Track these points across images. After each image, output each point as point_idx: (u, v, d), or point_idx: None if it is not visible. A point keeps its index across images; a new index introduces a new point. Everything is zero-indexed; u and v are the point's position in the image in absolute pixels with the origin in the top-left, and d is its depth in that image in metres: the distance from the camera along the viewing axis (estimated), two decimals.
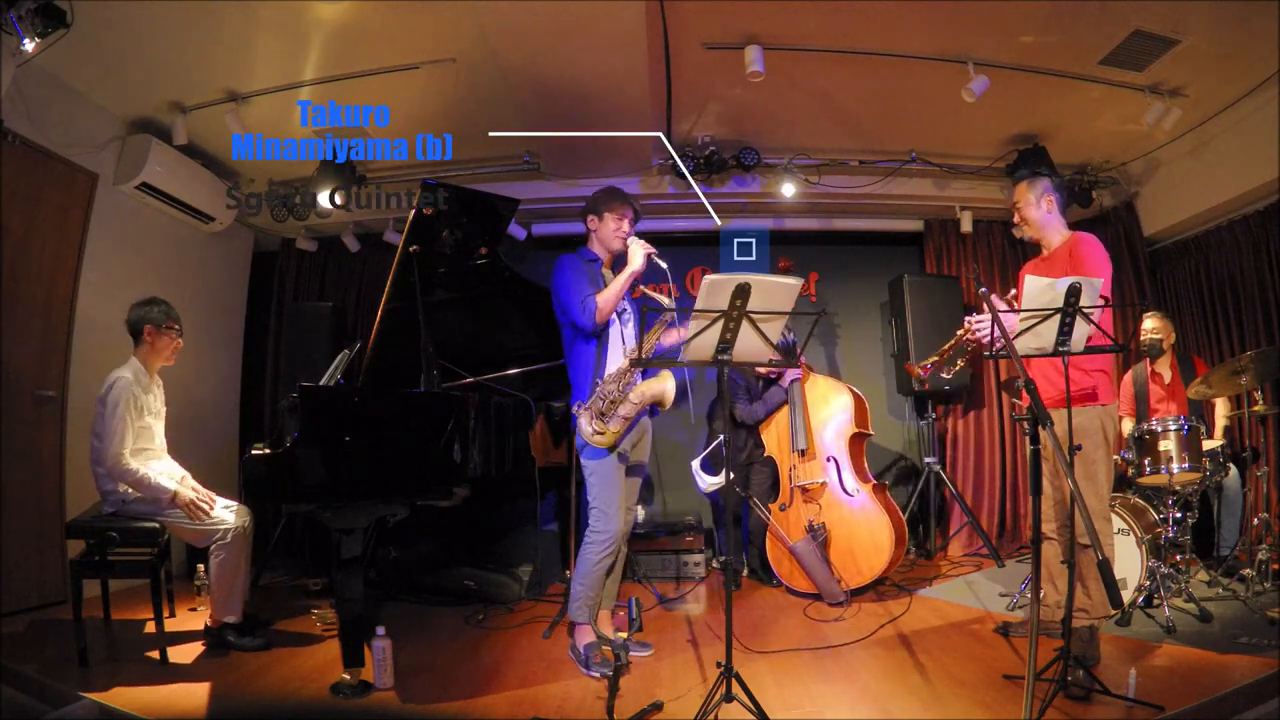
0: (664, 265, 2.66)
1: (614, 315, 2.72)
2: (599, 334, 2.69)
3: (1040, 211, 2.71)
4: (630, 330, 2.77)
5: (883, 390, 4.86)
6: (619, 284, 2.64)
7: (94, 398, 3.52)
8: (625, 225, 2.76)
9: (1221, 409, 3.84)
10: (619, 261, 2.79)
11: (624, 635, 2.54)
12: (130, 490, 2.76)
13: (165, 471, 2.85)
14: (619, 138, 3.87)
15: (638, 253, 2.66)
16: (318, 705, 2.31)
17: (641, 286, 2.74)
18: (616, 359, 2.69)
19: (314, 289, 4.98)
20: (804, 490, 3.67)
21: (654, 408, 2.73)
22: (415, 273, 2.78)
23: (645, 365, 2.56)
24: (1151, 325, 3.84)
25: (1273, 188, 3.69)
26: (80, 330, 3.56)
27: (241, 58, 3.31)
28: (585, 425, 2.61)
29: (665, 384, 2.63)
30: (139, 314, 2.91)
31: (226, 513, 2.85)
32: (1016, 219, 2.79)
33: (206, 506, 2.79)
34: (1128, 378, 3.99)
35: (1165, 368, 3.86)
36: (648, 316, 2.66)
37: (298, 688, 2.45)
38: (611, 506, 2.64)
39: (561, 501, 3.80)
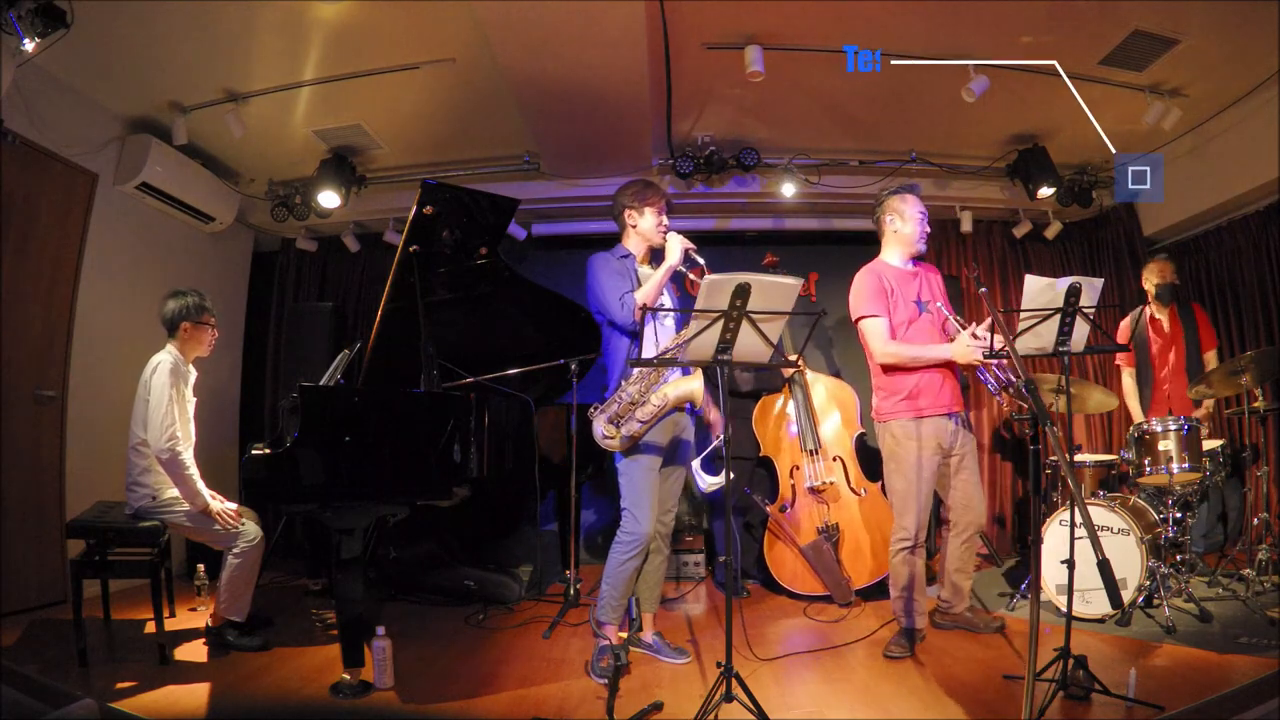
0: (701, 261, 2.59)
1: (651, 313, 2.63)
2: (636, 332, 2.62)
3: None
4: (669, 328, 2.69)
5: None
6: (658, 279, 2.58)
7: (94, 398, 3.56)
8: (664, 218, 2.72)
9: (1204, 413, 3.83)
10: (655, 257, 2.74)
11: (624, 635, 2.55)
12: (162, 489, 2.75)
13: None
14: (619, 137, 3.88)
15: (675, 247, 2.60)
16: (318, 705, 2.31)
17: (692, 276, 2.63)
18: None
19: (314, 289, 4.98)
20: (814, 491, 3.66)
21: (690, 406, 2.69)
22: (415, 273, 2.78)
23: (641, 365, 2.52)
24: (1160, 268, 3.72)
25: (1273, 188, 3.69)
26: (80, 330, 3.56)
27: (241, 58, 3.31)
28: (597, 428, 2.58)
29: (692, 384, 2.59)
30: (175, 310, 2.87)
31: (250, 522, 2.86)
32: (927, 230, 2.85)
33: (233, 520, 2.79)
34: (1125, 323, 3.85)
35: (1165, 315, 3.76)
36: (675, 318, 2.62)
37: (298, 688, 2.45)
38: (640, 508, 2.58)
39: (561, 501, 3.80)
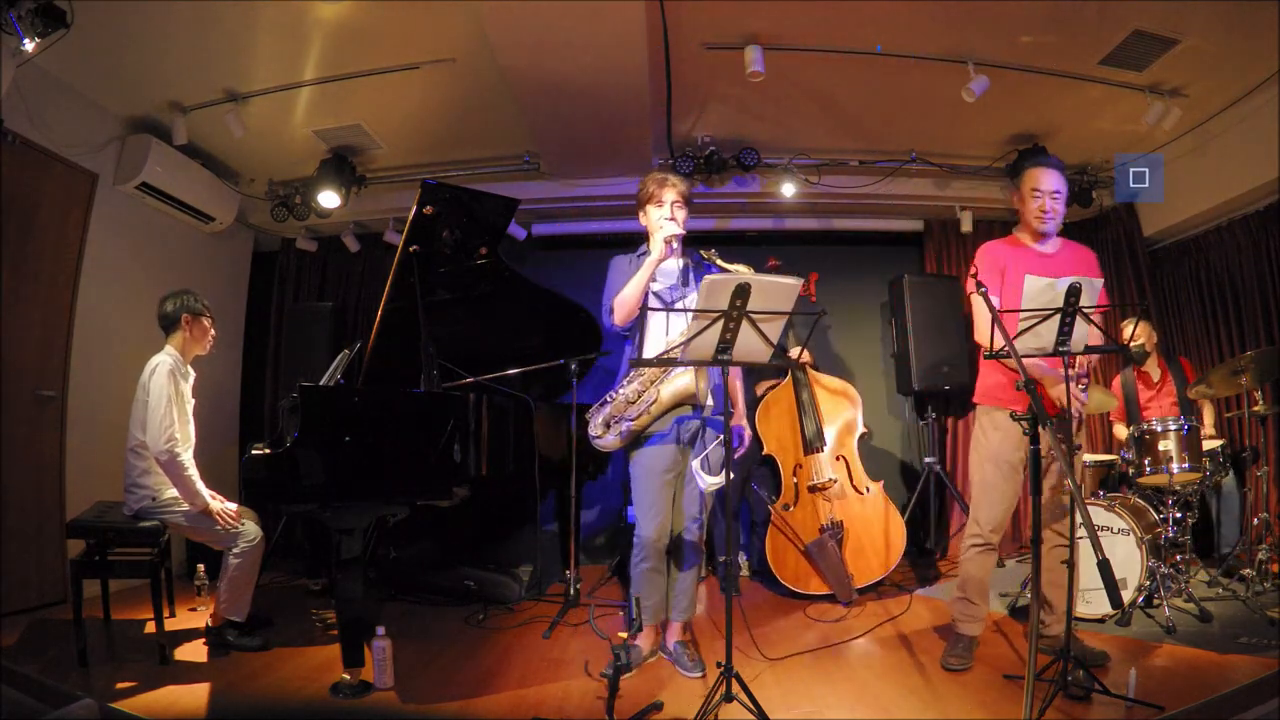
0: (676, 246, 2.52)
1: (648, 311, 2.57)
2: (630, 332, 2.60)
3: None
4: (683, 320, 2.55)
5: (882, 390, 4.86)
6: (638, 277, 2.52)
7: (94, 398, 3.56)
8: (667, 209, 2.57)
9: (1208, 417, 3.86)
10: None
11: (624, 636, 2.54)
12: (161, 490, 2.75)
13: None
14: (619, 137, 3.88)
15: (657, 238, 2.50)
16: (318, 705, 2.31)
17: (721, 262, 2.52)
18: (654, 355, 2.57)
19: (314, 289, 4.98)
20: (817, 489, 3.66)
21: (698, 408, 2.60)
22: (415, 273, 2.78)
23: (639, 365, 2.52)
24: (1133, 332, 3.83)
25: (1273, 188, 3.68)
26: (80, 330, 3.56)
27: (241, 58, 3.31)
28: (590, 427, 2.58)
29: (681, 380, 2.50)
30: (176, 304, 2.88)
31: (250, 522, 2.86)
32: (1049, 208, 2.46)
33: (233, 520, 2.79)
34: (1116, 382, 4.02)
35: (1152, 367, 3.93)
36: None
37: (298, 688, 2.45)
38: (641, 513, 2.55)
39: (561, 501, 3.79)
